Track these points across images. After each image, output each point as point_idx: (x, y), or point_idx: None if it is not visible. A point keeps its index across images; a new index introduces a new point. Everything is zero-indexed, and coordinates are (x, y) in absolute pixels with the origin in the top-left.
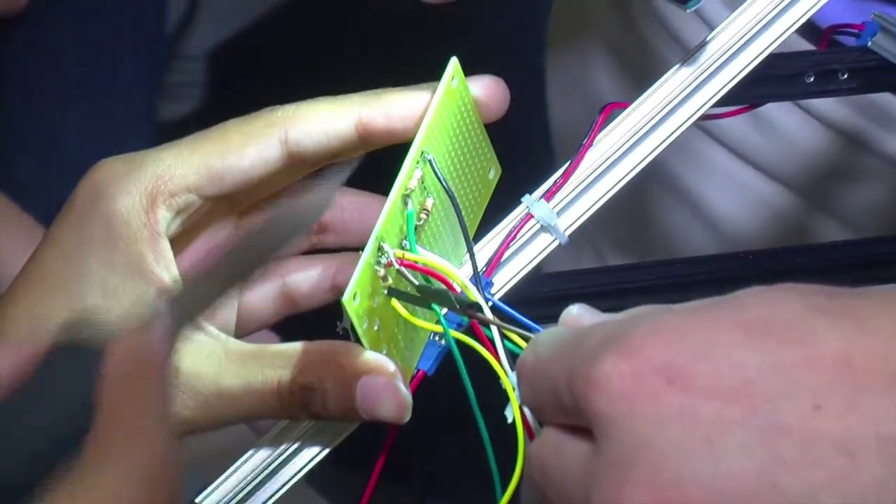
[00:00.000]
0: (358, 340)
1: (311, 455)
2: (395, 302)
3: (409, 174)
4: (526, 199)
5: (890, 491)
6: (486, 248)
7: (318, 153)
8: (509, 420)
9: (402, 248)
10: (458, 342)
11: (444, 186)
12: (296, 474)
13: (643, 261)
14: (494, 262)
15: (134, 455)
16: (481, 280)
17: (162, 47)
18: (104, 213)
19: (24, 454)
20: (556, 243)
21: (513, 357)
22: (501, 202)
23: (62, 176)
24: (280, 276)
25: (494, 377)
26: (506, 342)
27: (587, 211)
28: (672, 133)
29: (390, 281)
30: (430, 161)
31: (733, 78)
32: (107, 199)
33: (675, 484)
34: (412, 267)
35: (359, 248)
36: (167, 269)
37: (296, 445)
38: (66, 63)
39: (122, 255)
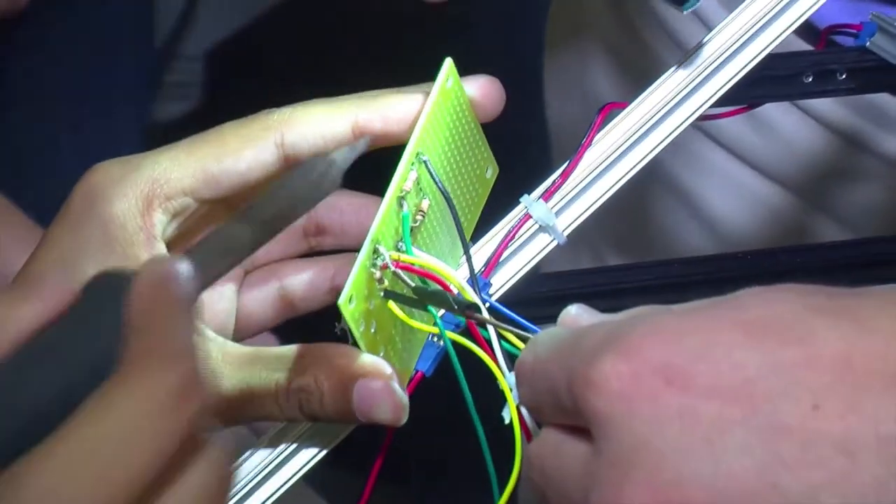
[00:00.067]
0: (355, 343)
1: (308, 456)
2: (391, 304)
3: (404, 176)
4: (524, 199)
5: (890, 491)
6: (484, 249)
7: (315, 155)
8: (506, 421)
9: (399, 249)
10: (456, 344)
11: (439, 188)
12: (293, 475)
13: (641, 261)
14: (493, 263)
15: (165, 370)
16: (478, 281)
17: (152, 47)
18: (100, 216)
19: (58, 385)
20: (554, 243)
21: (510, 358)
22: (500, 202)
23: (60, 176)
24: (277, 279)
25: (493, 378)
26: (503, 343)
27: (586, 211)
28: (670, 133)
29: (386, 283)
30: (425, 162)
31: (731, 78)
32: (103, 203)
33: (675, 484)
34: (408, 269)
35: (357, 250)
36: None
37: (293, 447)
38: (66, 64)
39: (118, 258)
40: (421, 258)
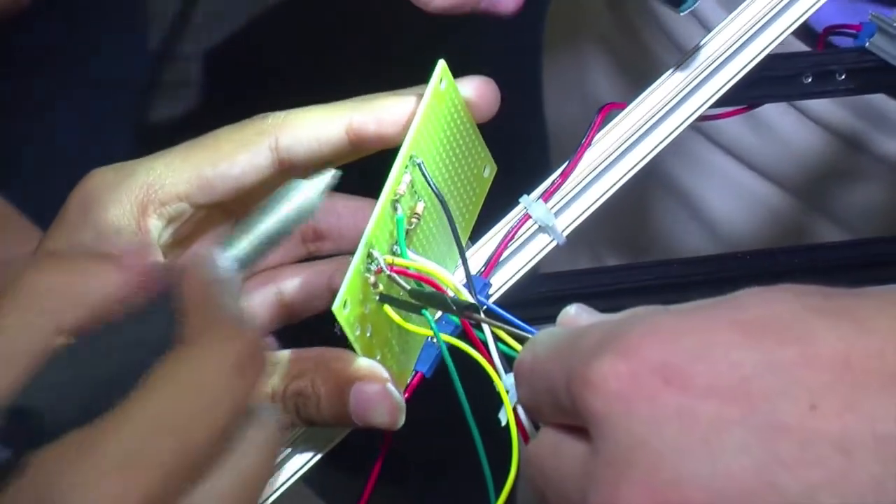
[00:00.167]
0: (351, 347)
1: (304, 459)
2: (387, 308)
3: (397, 179)
4: (524, 199)
5: (888, 490)
6: (483, 249)
7: (310, 159)
8: (503, 423)
9: (394, 253)
10: (453, 346)
11: (433, 190)
12: (290, 478)
13: (641, 261)
14: (492, 263)
15: (231, 338)
16: (475, 284)
17: (144, 47)
18: (95, 222)
19: (122, 358)
20: (553, 244)
21: (507, 360)
22: (499, 203)
23: (58, 176)
24: (275, 284)
25: (491, 380)
26: (500, 345)
27: (585, 211)
28: (670, 134)
29: (381, 287)
30: (419, 165)
31: (731, 79)
32: (98, 209)
33: (673, 484)
34: (403, 272)
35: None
36: None
37: (289, 450)
38: (65, 64)
39: None
40: (416, 261)
